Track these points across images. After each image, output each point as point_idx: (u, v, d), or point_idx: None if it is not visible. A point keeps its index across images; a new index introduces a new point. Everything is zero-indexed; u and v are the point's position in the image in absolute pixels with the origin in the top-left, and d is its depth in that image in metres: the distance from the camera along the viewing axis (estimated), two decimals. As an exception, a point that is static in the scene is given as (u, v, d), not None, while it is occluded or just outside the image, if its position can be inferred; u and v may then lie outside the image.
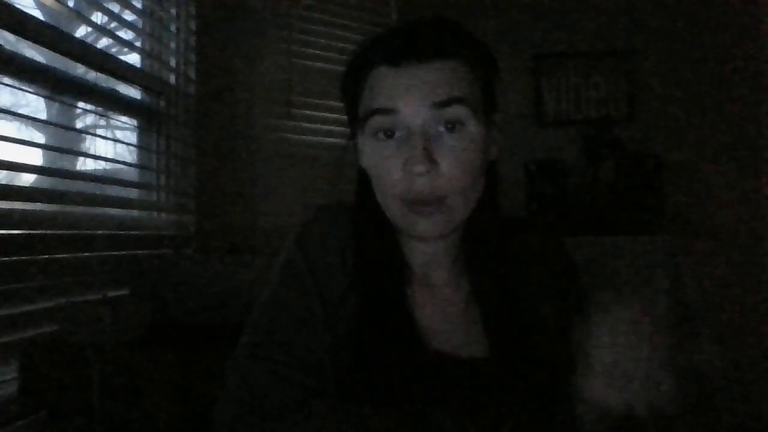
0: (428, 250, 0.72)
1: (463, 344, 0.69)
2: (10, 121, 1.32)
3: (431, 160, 0.62)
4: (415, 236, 0.67)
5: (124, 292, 1.41)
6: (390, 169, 0.64)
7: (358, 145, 0.70)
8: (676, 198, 2.58)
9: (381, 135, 0.65)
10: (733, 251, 2.55)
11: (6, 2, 1.11)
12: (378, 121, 0.64)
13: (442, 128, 0.63)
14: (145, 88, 1.71)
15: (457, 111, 0.63)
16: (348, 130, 0.74)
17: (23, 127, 1.45)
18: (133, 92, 1.69)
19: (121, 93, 1.59)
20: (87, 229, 1.37)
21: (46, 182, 1.41)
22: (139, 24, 1.70)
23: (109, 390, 1.00)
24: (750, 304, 2.49)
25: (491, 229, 0.72)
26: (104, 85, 1.50)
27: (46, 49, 1.29)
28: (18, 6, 1.17)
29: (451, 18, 0.67)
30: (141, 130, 1.74)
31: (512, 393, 0.65)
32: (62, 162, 1.58)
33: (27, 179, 1.38)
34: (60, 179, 1.40)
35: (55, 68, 1.33)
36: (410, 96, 0.62)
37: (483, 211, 0.70)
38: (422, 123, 0.62)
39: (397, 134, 0.64)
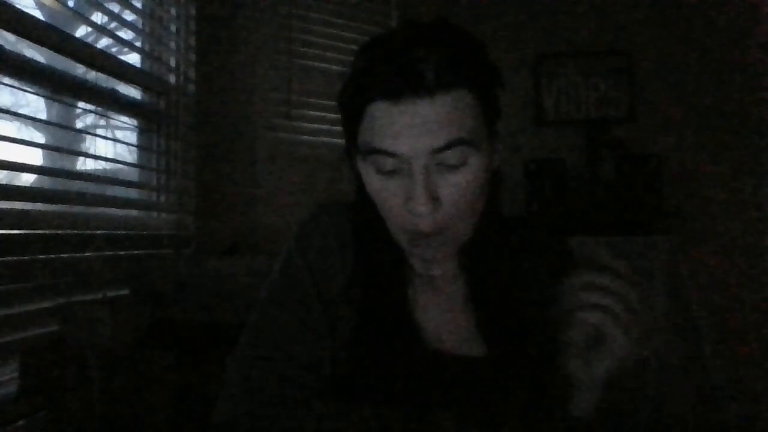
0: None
1: (463, 343, 0.69)
2: (10, 121, 1.32)
3: (434, 199, 0.61)
4: (422, 261, 0.68)
5: (124, 292, 1.41)
6: (392, 204, 0.64)
7: (357, 164, 0.69)
8: (676, 198, 2.58)
9: (382, 170, 0.63)
10: (732, 251, 2.55)
11: (6, 2, 1.12)
12: (379, 160, 0.63)
13: (444, 165, 0.61)
14: (145, 88, 1.71)
15: (459, 152, 0.61)
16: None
17: (23, 127, 1.45)
18: (133, 92, 1.69)
19: (121, 93, 1.59)
20: (87, 229, 1.37)
21: (46, 182, 1.41)
22: (139, 24, 1.70)
23: (109, 390, 0.99)
24: (750, 304, 2.49)
25: (492, 230, 0.72)
26: (104, 85, 1.50)
27: (46, 49, 1.29)
28: (18, 6, 1.17)
29: (447, 21, 0.64)
30: (141, 130, 1.74)
31: (512, 392, 0.65)
32: (62, 162, 1.58)
33: (27, 179, 1.37)
34: (60, 179, 1.40)
35: (55, 68, 1.33)
36: (411, 139, 0.60)
37: (484, 214, 0.70)
38: (424, 164, 0.61)
39: (399, 170, 0.62)
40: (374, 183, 0.65)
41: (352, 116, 0.65)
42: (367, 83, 0.62)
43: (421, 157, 0.60)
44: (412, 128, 0.59)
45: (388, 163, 0.62)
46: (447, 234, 0.64)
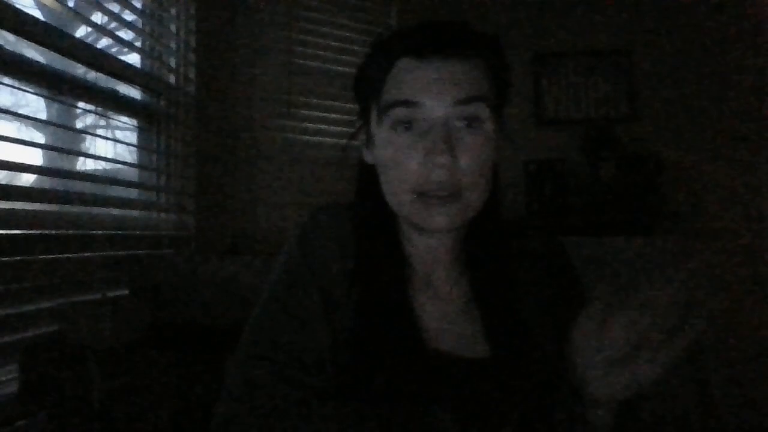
0: (430, 247, 0.72)
1: (463, 344, 0.69)
2: (10, 121, 1.31)
3: (452, 153, 0.63)
4: (427, 229, 0.67)
5: (124, 292, 1.41)
6: (407, 161, 0.65)
7: (372, 136, 0.70)
8: (676, 198, 2.58)
9: (400, 127, 0.65)
10: (733, 251, 2.56)
11: (6, 2, 1.11)
12: (400, 112, 0.65)
13: (461, 123, 0.64)
14: (145, 88, 1.71)
15: (477, 108, 0.64)
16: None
17: (23, 127, 1.45)
18: (133, 92, 1.69)
19: (121, 93, 1.59)
20: (87, 229, 1.37)
21: (46, 182, 1.41)
22: (139, 24, 1.70)
23: (109, 390, 0.99)
24: (750, 304, 2.49)
25: (492, 229, 0.72)
26: (104, 85, 1.50)
27: (46, 49, 1.29)
28: (18, 6, 1.17)
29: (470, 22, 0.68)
30: (141, 130, 1.74)
31: (512, 393, 0.65)
32: (62, 162, 1.58)
33: (27, 179, 1.37)
34: (60, 179, 1.40)
35: (55, 68, 1.33)
36: (434, 90, 0.63)
37: (485, 211, 0.70)
38: (444, 117, 0.64)
39: (416, 126, 0.65)
40: (390, 141, 0.66)
41: (376, 78, 0.68)
42: (395, 44, 0.66)
43: (443, 110, 0.63)
44: (436, 82, 0.63)
45: (409, 116, 0.64)
46: (457, 199, 0.65)
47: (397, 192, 0.67)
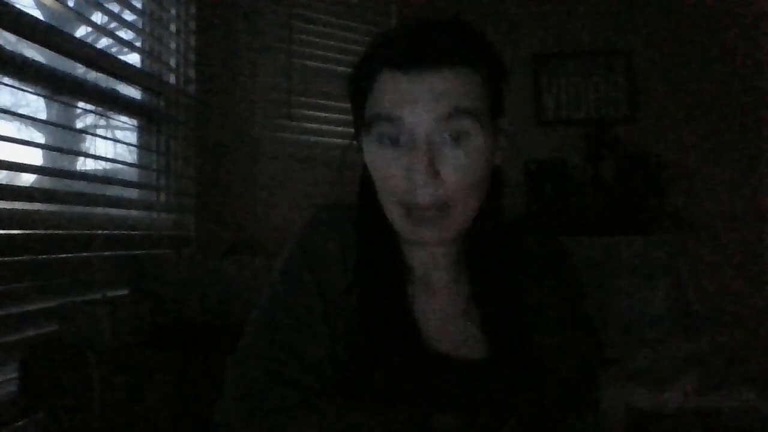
0: (428, 253, 0.72)
1: (462, 345, 0.69)
2: (10, 121, 1.31)
3: (434, 171, 0.61)
4: (417, 243, 0.67)
5: (124, 292, 1.40)
6: (392, 175, 0.64)
7: (362, 145, 0.70)
8: (676, 198, 2.58)
9: (385, 140, 0.64)
10: (733, 251, 2.56)
11: (6, 2, 1.11)
12: (382, 127, 0.63)
13: (447, 137, 0.62)
14: (145, 88, 1.71)
15: (463, 122, 0.61)
16: (350, 130, 0.73)
17: (23, 127, 1.45)
18: (133, 92, 1.69)
19: (121, 93, 1.59)
20: (87, 229, 1.37)
21: (46, 182, 1.41)
22: (139, 24, 1.70)
23: (109, 390, 0.99)
24: (750, 304, 2.49)
25: (493, 232, 0.72)
26: (104, 85, 1.50)
27: (46, 49, 1.29)
28: (18, 6, 1.17)
29: (462, 20, 0.66)
30: (141, 130, 1.74)
31: (511, 394, 0.65)
32: (62, 162, 1.58)
33: (27, 179, 1.37)
34: (60, 179, 1.40)
35: (55, 68, 1.33)
36: (416, 106, 0.61)
37: (485, 214, 0.69)
38: (427, 133, 0.61)
39: (402, 140, 0.63)
40: (376, 155, 0.65)
41: (361, 90, 0.66)
42: (378, 55, 0.64)
43: (425, 126, 0.61)
44: (418, 96, 0.61)
45: (392, 130, 0.62)
46: (446, 213, 0.63)
47: (385, 203, 0.67)
